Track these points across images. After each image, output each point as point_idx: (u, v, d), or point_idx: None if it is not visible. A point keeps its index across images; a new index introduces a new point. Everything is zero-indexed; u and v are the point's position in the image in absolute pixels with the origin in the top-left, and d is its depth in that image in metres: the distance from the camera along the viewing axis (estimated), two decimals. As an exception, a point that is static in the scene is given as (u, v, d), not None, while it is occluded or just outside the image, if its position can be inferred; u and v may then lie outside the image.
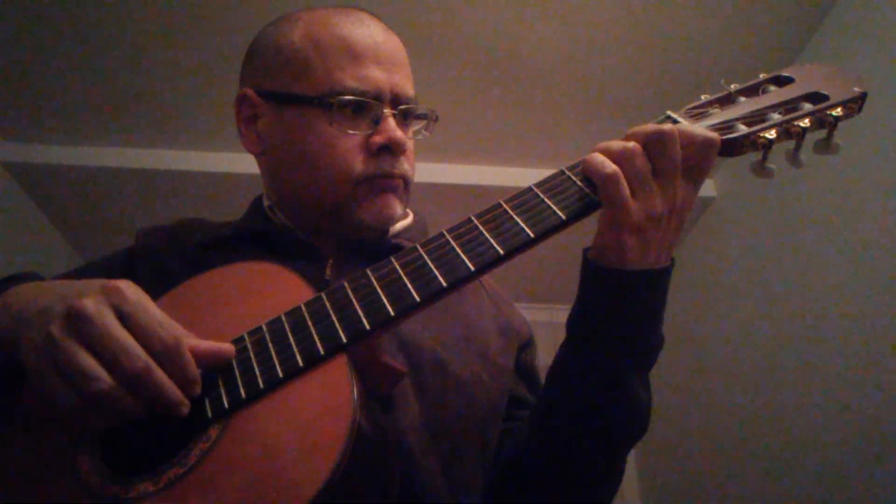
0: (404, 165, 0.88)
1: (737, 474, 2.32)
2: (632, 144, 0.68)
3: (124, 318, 0.61)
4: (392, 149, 0.86)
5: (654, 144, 0.67)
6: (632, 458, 2.98)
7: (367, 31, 0.89)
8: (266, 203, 0.97)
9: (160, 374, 0.61)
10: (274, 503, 0.57)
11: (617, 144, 0.68)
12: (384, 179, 0.86)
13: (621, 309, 0.72)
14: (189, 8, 1.96)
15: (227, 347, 0.67)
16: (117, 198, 2.54)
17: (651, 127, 0.68)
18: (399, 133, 0.86)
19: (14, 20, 1.95)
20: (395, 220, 0.89)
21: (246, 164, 0.98)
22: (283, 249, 0.88)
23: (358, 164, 0.85)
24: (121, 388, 0.59)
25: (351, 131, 0.85)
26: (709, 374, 2.57)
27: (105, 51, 2.06)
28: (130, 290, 0.63)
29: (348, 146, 0.85)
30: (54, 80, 2.15)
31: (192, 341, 0.65)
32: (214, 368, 0.66)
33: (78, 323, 0.60)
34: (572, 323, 0.76)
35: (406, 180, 0.89)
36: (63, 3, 1.92)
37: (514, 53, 2.15)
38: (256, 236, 0.92)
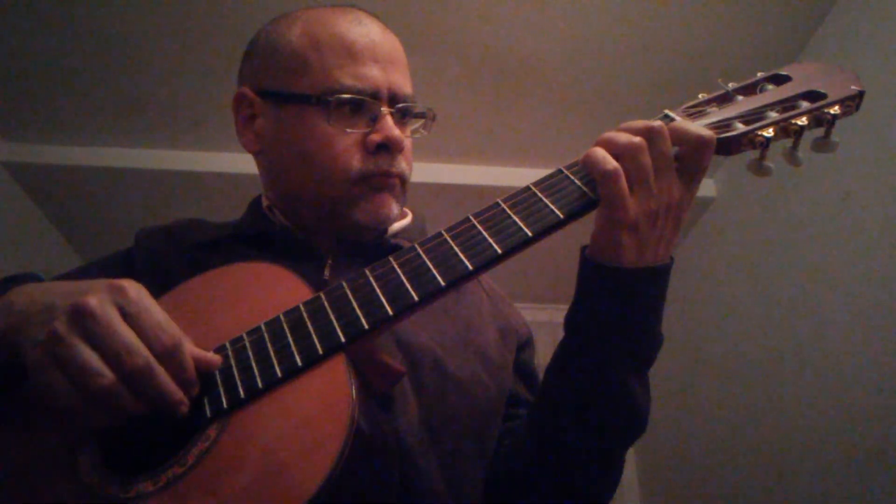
0: (402, 164, 0.88)
1: (737, 474, 2.32)
2: (638, 139, 0.67)
3: (127, 317, 0.62)
4: (390, 147, 0.86)
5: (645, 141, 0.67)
6: (632, 458, 2.98)
7: (365, 30, 0.89)
8: (265, 203, 0.97)
9: (161, 373, 0.61)
10: (273, 502, 0.57)
11: (623, 137, 0.68)
12: (381, 178, 0.86)
13: (619, 307, 0.72)
14: (189, 8, 1.96)
15: (215, 358, 0.67)
16: (117, 198, 2.54)
17: (640, 123, 0.68)
18: (396, 131, 0.86)
19: (14, 20, 1.96)
20: (391, 220, 0.89)
21: (246, 164, 0.98)
22: (281, 250, 0.88)
23: (355, 162, 0.85)
24: (122, 385, 0.59)
25: (348, 130, 0.85)
26: (708, 374, 2.57)
27: (105, 51, 2.06)
28: (134, 290, 0.63)
29: (346, 144, 0.85)
30: (54, 81, 2.15)
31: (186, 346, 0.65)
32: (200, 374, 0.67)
33: (82, 319, 0.60)
34: (570, 321, 0.76)
35: (403, 179, 0.89)
36: (63, 3, 1.92)
37: (513, 53, 2.15)
38: (255, 236, 0.92)
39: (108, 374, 0.59)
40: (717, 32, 2.10)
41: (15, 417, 0.70)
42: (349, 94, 0.84)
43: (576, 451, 0.78)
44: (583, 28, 2.09)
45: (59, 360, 0.59)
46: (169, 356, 0.62)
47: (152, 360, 0.61)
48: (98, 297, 0.61)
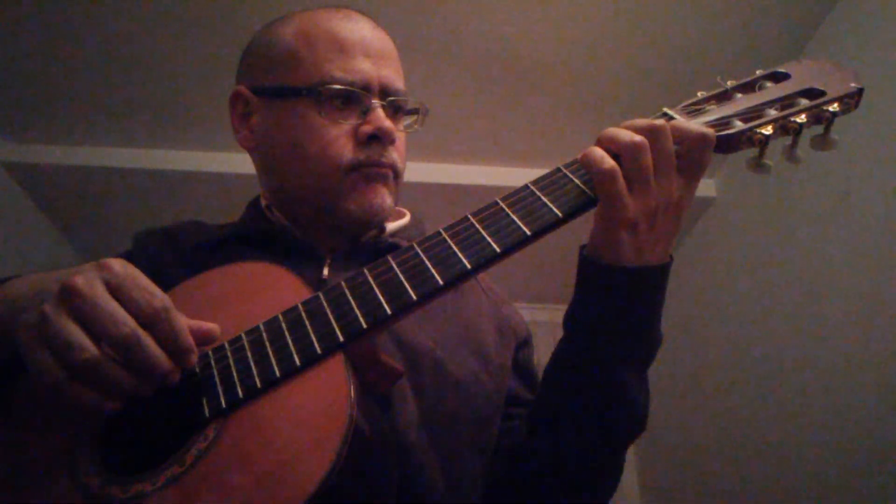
0: (393, 155, 0.89)
1: (737, 474, 2.31)
2: (639, 138, 0.67)
3: (114, 290, 0.62)
4: (381, 138, 0.87)
5: (647, 140, 0.67)
6: (632, 458, 2.98)
7: (357, 26, 0.90)
8: (263, 202, 0.97)
9: (148, 342, 0.61)
10: (271, 501, 0.57)
11: (625, 135, 0.67)
12: (372, 168, 0.87)
13: (618, 306, 0.71)
14: (189, 8, 1.97)
15: (212, 325, 0.69)
16: (117, 198, 2.54)
17: (642, 122, 0.68)
18: (388, 122, 0.87)
19: (15, 20, 1.96)
20: (384, 211, 0.89)
21: (246, 164, 0.98)
22: (280, 249, 0.89)
23: (347, 152, 0.86)
24: (108, 358, 0.59)
25: (340, 121, 0.86)
26: (708, 374, 2.57)
27: (105, 51, 2.07)
28: (119, 264, 0.64)
29: (336, 135, 0.86)
30: (54, 80, 2.15)
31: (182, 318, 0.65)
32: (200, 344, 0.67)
33: (69, 298, 0.60)
34: (569, 320, 0.76)
35: (395, 171, 0.90)
36: (63, 3, 1.93)
37: (512, 53, 2.14)
38: (254, 236, 0.92)
39: (90, 348, 0.59)
40: (717, 31, 2.10)
41: (15, 417, 0.70)
42: (340, 85, 0.85)
43: (575, 451, 0.78)
44: (582, 28, 2.08)
45: (45, 339, 0.59)
46: (158, 319, 0.62)
47: (139, 329, 0.60)
48: (85, 276, 0.62)
